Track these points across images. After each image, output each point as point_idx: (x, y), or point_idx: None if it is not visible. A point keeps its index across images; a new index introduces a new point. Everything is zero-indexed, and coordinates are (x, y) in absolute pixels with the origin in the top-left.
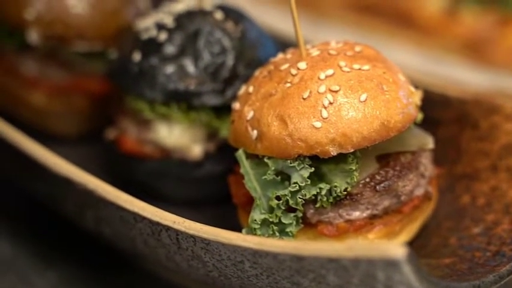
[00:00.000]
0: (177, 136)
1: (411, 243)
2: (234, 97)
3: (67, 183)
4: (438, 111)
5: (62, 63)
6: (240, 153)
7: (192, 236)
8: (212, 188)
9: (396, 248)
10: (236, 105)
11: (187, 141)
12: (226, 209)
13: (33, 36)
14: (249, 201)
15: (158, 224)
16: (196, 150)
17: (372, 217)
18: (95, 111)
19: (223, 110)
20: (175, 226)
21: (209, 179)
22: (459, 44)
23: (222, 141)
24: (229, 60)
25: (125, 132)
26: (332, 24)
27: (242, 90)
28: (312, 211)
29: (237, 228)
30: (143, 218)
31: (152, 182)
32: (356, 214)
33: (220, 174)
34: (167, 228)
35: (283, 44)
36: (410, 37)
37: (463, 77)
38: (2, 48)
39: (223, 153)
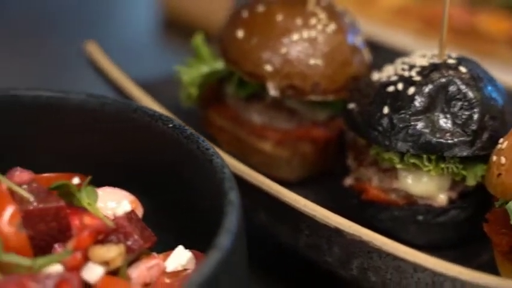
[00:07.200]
0: (424, 185)
1: None
2: (482, 148)
3: (336, 234)
4: None
5: (289, 111)
6: (510, 205)
7: (479, 286)
8: (453, 233)
9: None
10: (501, 159)
11: (434, 189)
12: (465, 252)
13: (271, 87)
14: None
15: (441, 274)
16: (442, 198)
17: None
18: (317, 156)
19: (469, 160)
20: (462, 277)
21: (452, 224)
22: None
23: (464, 189)
24: (476, 113)
25: (366, 180)
26: (495, 62)
27: (505, 144)
28: None
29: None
30: (425, 269)
31: (396, 227)
32: None
33: (462, 220)
34: (453, 279)
35: None
36: None
37: None
38: (231, 97)
39: (466, 200)
